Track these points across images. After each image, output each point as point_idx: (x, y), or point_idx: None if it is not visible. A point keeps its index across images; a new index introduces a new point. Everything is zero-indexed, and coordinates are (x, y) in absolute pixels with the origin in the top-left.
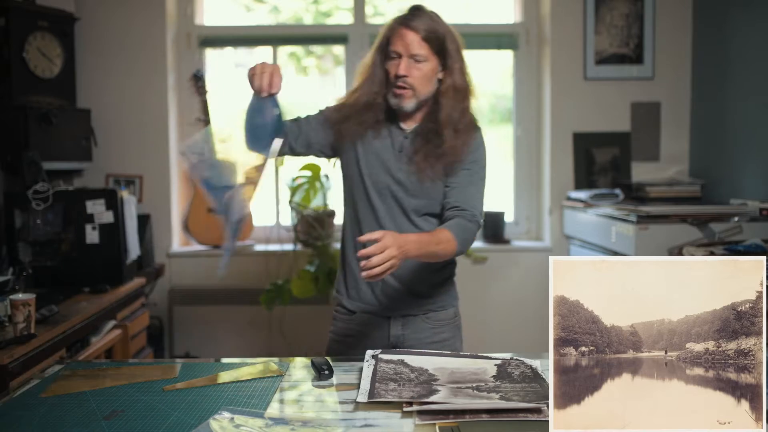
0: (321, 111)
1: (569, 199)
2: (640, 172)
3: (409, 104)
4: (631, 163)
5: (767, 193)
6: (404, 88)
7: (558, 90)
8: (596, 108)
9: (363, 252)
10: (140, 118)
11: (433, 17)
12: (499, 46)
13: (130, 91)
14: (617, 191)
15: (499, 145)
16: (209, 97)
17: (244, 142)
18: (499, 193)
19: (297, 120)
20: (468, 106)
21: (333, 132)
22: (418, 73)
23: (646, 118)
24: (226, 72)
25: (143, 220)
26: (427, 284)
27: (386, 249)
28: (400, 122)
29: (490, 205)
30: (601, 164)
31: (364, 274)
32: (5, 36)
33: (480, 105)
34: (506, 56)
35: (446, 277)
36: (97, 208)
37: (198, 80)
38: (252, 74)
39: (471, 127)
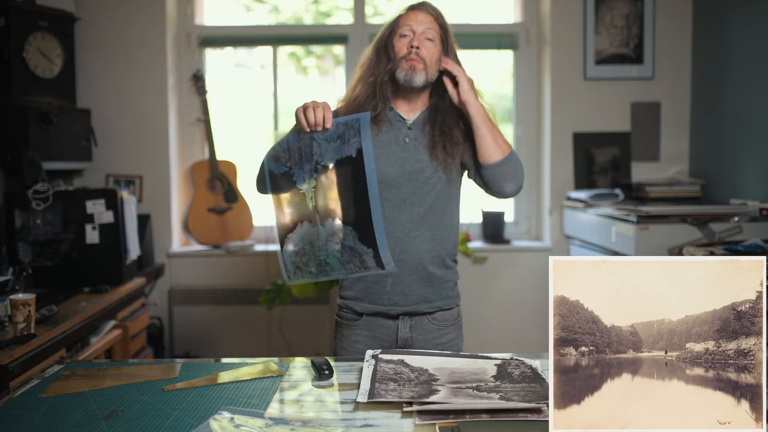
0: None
1: (569, 199)
2: (640, 172)
3: (419, 78)
4: (631, 163)
5: (767, 193)
6: (417, 59)
7: (558, 90)
8: (596, 108)
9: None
10: (140, 118)
11: (435, 7)
12: (499, 46)
13: (130, 91)
14: (617, 191)
15: None
16: (209, 97)
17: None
18: None
19: None
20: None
21: None
22: (428, 51)
23: (646, 118)
24: (226, 72)
25: (143, 220)
26: (438, 280)
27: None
28: (401, 113)
29: (490, 205)
30: (601, 164)
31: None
32: (5, 36)
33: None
34: (506, 56)
35: (454, 279)
36: (97, 208)
37: (198, 80)
38: (304, 108)
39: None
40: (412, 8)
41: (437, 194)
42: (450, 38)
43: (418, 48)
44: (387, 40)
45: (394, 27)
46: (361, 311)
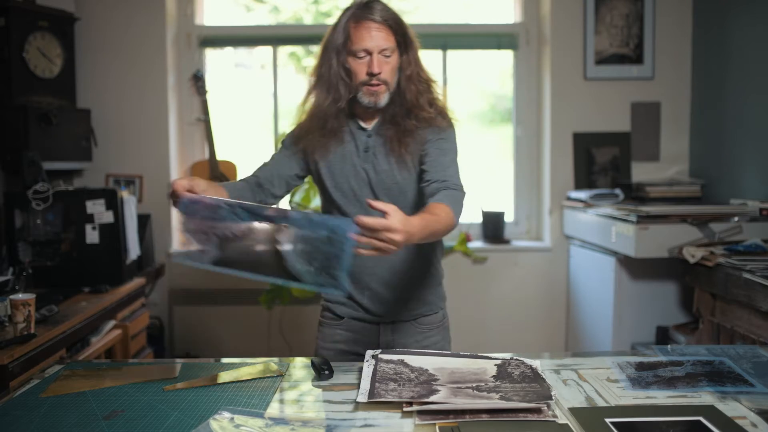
0: (282, 142)
1: (569, 199)
2: (640, 172)
3: (383, 100)
4: (631, 163)
5: (767, 193)
6: (378, 84)
7: (558, 90)
8: (596, 108)
9: (366, 222)
10: (140, 118)
11: (388, 7)
12: (499, 46)
13: (130, 91)
14: (617, 191)
15: (499, 145)
16: (209, 97)
17: None
18: (499, 193)
19: (265, 165)
20: (434, 98)
21: (296, 157)
22: (388, 67)
23: (646, 118)
24: (226, 72)
25: (143, 220)
26: (417, 288)
27: (392, 232)
28: (360, 121)
29: (490, 205)
30: (601, 164)
31: (360, 250)
32: (5, 36)
33: (480, 105)
34: (506, 56)
35: (436, 282)
36: (97, 208)
37: (198, 80)
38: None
39: (442, 112)
40: (363, 19)
41: (409, 200)
42: (408, 37)
43: (380, 73)
44: (339, 55)
45: (346, 40)
46: (342, 315)
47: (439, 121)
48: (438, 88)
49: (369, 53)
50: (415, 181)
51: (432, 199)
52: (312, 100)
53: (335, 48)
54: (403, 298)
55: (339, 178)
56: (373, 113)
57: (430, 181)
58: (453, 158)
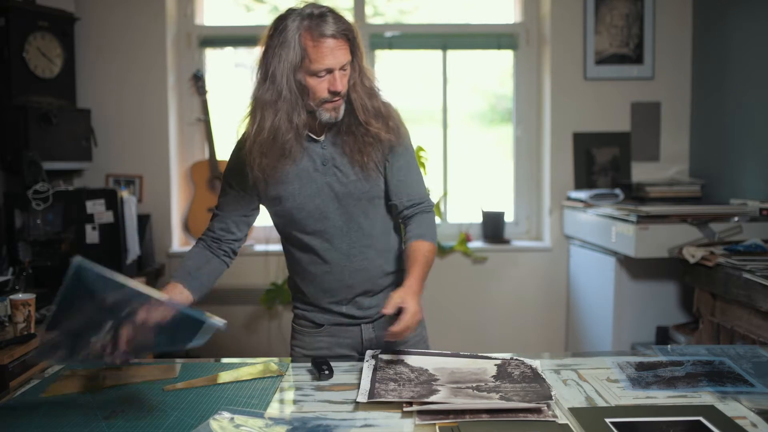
0: (226, 182)
1: (569, 199)
2: (640, 172)
3: (342, 113)
4: (631, 163)
5: (767, 193)
6: (338, 99)
7: (558, 90)
8: (596, 108)
9: (398, 330)
10: (140, 118)
11: (341, 16)
12: (499, 46)
13: (130, 91)
14: (617, 191)
15: (499, 145)
16: (209, 97)
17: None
18: (499, 193)
19: (217, 216)
20: (378, 106)
21: (246, 193)
22: (346, 80)
23: (646, 118)
24: (226, 72)
25: (143, 220)
26: (393, 286)
27: (414, 315)
28: (309, 132)
29: (490, 205)
30: (601, 164)
31: (392, 339)
32: (5, 36)
33: (480, 105)
34: (506, 56)
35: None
36: (97, 208)
37: (198, 80)
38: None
39: (388, 123)
40: (321, 36)
41: (382, 206)
42: (357, 43)
43: (341, 90)
44: (296, 74)
45: (303, 59)
46: (321, 322)
47: (387, 134)
48: (383, 94)
49: (330, 71)
50: (371, 188)
51: (410, 233)
52: (274, 121)
53: (291, 66)
54: (378, 299)
55: (300, 198)
56: (325, 123)
57: (403, 203)
58: (418, 172)
